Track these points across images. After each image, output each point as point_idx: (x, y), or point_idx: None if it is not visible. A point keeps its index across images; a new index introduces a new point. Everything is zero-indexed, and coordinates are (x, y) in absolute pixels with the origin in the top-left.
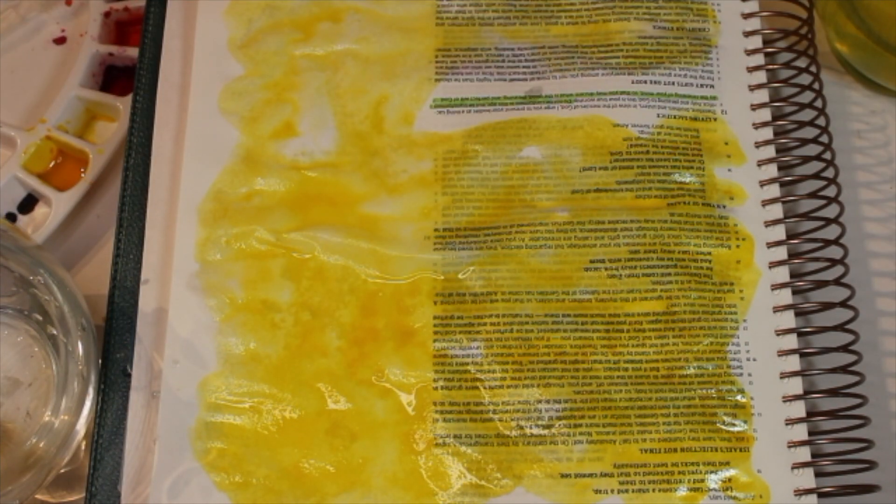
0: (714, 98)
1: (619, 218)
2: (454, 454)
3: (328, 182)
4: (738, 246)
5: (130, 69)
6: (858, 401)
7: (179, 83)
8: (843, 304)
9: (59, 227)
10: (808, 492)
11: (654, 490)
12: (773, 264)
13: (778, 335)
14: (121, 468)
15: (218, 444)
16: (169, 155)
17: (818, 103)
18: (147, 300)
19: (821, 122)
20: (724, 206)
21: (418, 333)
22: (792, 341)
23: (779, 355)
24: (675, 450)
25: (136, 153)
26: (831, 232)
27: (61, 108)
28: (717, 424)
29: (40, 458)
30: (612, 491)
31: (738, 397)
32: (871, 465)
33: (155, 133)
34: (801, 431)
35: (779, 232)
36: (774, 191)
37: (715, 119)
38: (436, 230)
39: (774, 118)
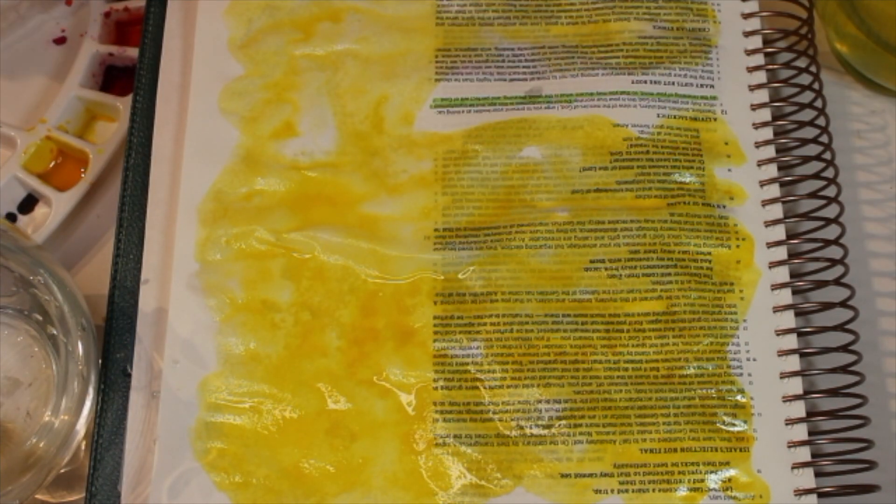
0: (714, 98)
1: (619, 218)
2: (454, 454)
3: (328, 182)
4: (738, 246)
5: (130, 69)
6: (858, 401)
7: (179, 83)
8: (843, 304)
9: (59, 227)
10: (808, 492)
11: (653, 490)
12: (773, 264)
13: (778, 335)
14: (121, 468)
15: (218, 444)
16: (169, 155)
17: (818, 103)
18: (147, 300)
19: (821, 122)
20: (724, 206)
21: (418, 333)
22: (792, 341)
23: (779, 355)
24: (675, 450)
25: (136, 153)
26: (831, 232)
27: (61, 108)
28: (717, 424)
29: (40, 458)
30: (612, 491)
31: (738, 397)
32: (871, 465)
33: (155, 133)
34: (801, 431)
35: (779, 232)
36: (774, 191)
37: (715, 119)
38: (436, 230)
39: (774, 118)
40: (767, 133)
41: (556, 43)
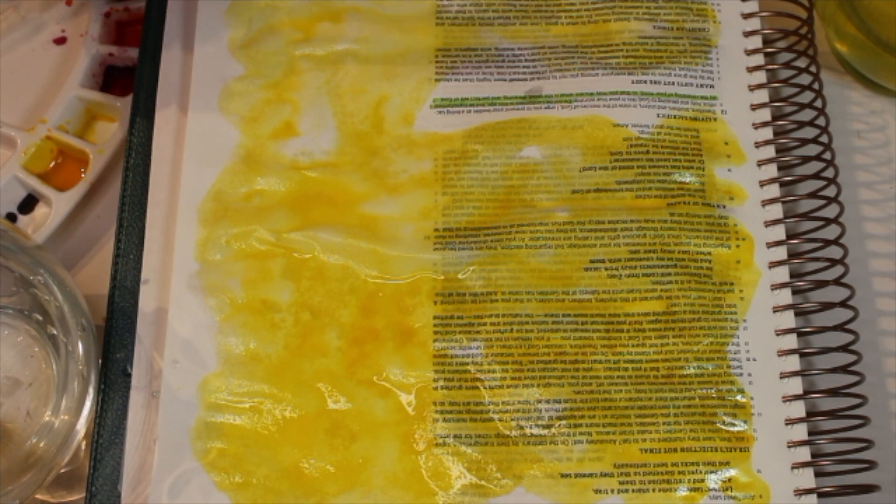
0: (714, 98)
1: (619, 218)
2: (454, 454)
3: (328, 182)
4: (737, 246)
5: (130, 69)
6: (858, 401)
7: (179, 83)
8: (843, 304)
9: (59, 227)
10: (808, 492)
11: (653, 490)
12: (773, 264)
13: (778, 335)
14: (121, 468)
15: (218, 444)
16: (169, 155)
17: (818, 103)
18: (147, 300)
19: (821, 122)
20: (724, 206)
21: (418, 333)
22: (792, 341)
23: (779, 355)
24: (675, 450)
25: (136, 153)
26: (831, 232)
27: (61, 109)
28: (717, 424)
29: (40, 458)
30: (612, 491)
31: (738, 397)
32: (870, 465)
33: (155, 133)
34: (800, 431)
35: (779, 232)
36: (774, 191)
37: (715, 119)
38: (436, 230)
39: (774, 118)
40: (767, 133)
41: (556, 43)
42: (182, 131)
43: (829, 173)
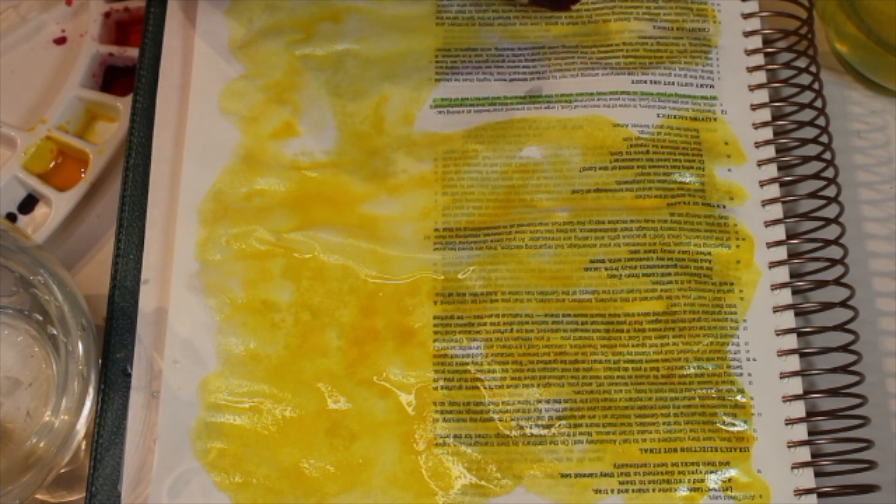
0: (714, 98)
1: (619, 218)
2: (454, 454)
3: (328, 182)
4: (737, 246)
5: (130, 69)
6: (858, 401)
7: (179, 83)
8: (843, 304)
9: (59, 227)
10: (808, 492)
11: (653, 490)
12: (773, 264)
13: (778, 335)
14: (121, 468)
15: (218, 444)
16: (169, 155)
17: (818, 103)
18: (147, 300)
19: (821, 122)
20: (724, 206)
21: (418, 333)
22: (792, 341)
23: (779, 355)
24: (675, 450)
25: (136, 153)
26: (831, 232)
27: (61, 109)
28: (717, 424)
29: (40, 458)
30: (612, 491)
31: (738, 397)
32: (870, 465)
33: (155, 133)
34: (800, 431)
35: (779, 232)
36: (774, 191)
37: (715, 119)
38: (436, 230)
39: (774, 118)
40: (767, 133)
41: (556, 43)
42: (182, 131)
43: (829, 173)
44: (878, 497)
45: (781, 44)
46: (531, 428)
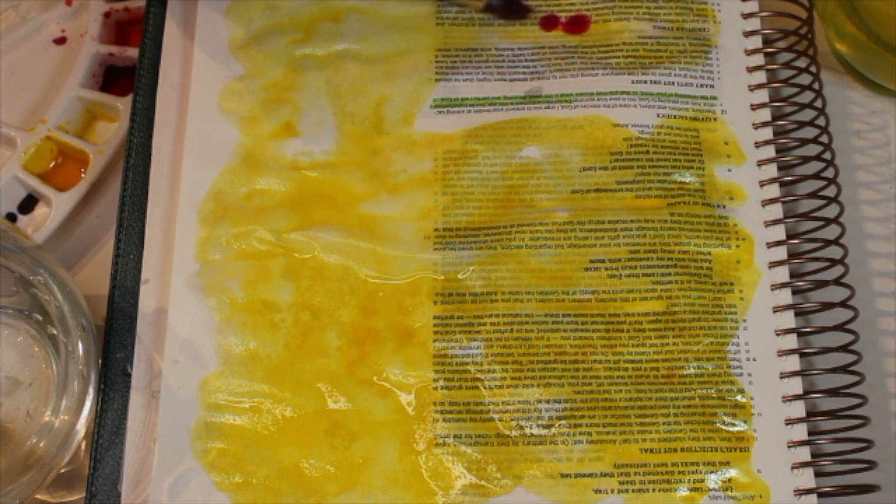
0: (714, 98)
1: (619, 218)
2: (454, 454)
3: (328, 182)
4: (737, 246)
5: (130, 69)
6: (858, 401)
7: (179, 83)
8: (843, 304)
9: (59, 227)
10: (808, 492)
11: (653, 490)
12: (773, 264)
13: (778, 335)
14: (121, 468)
15: (218, 444)
16: (169, 155)
17: (818, 103)
18: (147, 300)
19: (821, 122)
20: (724, 206)
21: (418, 333)
22: (792, 341)
23: (779, 355)
24: (675, 450)
25: (136, 153)
26: (831, 232)
27: (61, 109)
28: (717, 424)
29: (40, 458)
30: (612, 491)
31: (738, 397)
32: (870, 464)
33: (155, 133)
34: (800, 431)
35: (779, 232)
36: (774, 191)
37: (715, 119)
38: (436, 230)
39: (774, 118)
40: (767, 133)
41: (556, 43)
42: (182, 131)
43: (829, 173)
44: (878, 497)
45: (781, 44)
46: (531, 428)
